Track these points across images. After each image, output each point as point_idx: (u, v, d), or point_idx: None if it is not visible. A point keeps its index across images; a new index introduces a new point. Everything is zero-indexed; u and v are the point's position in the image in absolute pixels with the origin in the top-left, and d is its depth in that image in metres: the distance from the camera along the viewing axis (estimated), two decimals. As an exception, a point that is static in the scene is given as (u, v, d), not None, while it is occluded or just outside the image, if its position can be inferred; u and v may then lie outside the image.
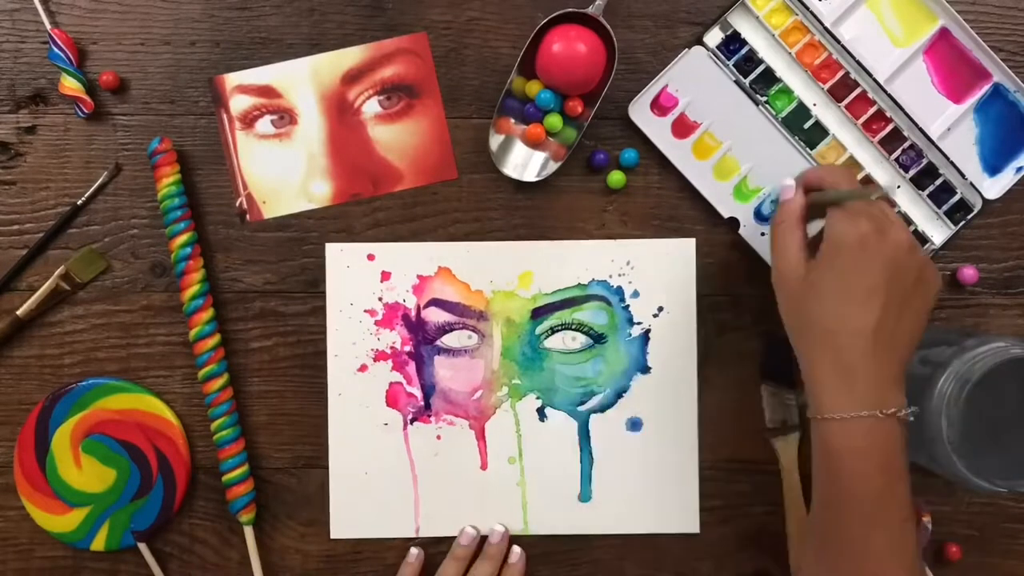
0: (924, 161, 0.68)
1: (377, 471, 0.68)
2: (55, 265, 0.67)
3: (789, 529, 0.68)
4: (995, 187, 0.68)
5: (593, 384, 0.69)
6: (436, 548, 0.68)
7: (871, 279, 0.55)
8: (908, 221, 0.69)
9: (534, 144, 0.68)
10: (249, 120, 0.68)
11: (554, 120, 0.67)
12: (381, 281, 0.68)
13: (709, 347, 0.69)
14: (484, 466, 0.69)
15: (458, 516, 0.68)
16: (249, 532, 0.67)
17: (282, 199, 0.68)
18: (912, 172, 0.68)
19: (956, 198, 0.68)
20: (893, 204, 0.66)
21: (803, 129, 0.68)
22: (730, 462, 0.69)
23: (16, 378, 0.68)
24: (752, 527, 0.69)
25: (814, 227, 0.60)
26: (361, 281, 0.68)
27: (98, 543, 0.67)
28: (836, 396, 0.55)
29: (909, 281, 0.56)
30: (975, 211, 0.69)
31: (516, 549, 0.68)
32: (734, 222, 0.69)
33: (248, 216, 0.68)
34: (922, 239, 0.69)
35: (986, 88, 0.68)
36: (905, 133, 0.68)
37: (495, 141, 0.67)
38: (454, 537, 0.68)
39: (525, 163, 0.68)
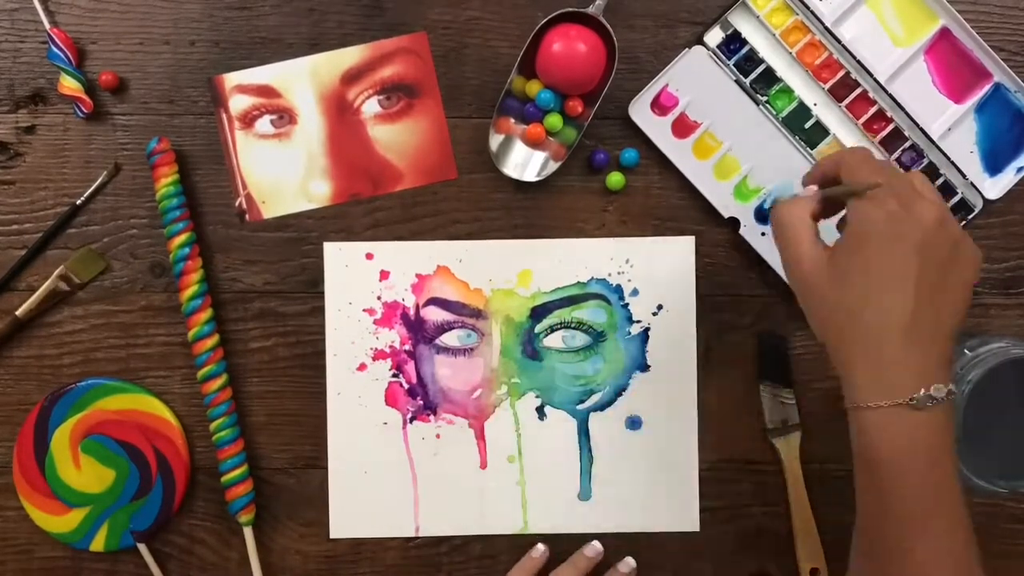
0: (925, 161, 0.68)
1: (376, 470, 0.68)
2: (54, 265, 0.67)
3: (794, 528, 0.68)
4: (996, 187, 0.68)
5: (592, 383, 0.69)
6: (435, 548, 0.68)
7: (901, 262, 0.51)
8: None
9: (534, 144, 0.68)
10: (249, 120, 0.68)
11: (554, 120, 0.66)
12: (380, 280, 0.68)
13: (709, 347, 0.69)
14: (484, 465, 0.69)
15: (458, 515, 0.68)
16: (248, 532, 0.67)
17: (281, 199, 0.68)
18: (912, 172, 0.68)
19: (957, 198, 0.68)
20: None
21: (804, 129, 0.68)
22: (730, 462, 0.69)
23: (15, 378, 0.68)
24: (752, 527, 0.69)
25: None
26: (360, 280, 0.68)
27: (97, 543, 0.67)
28: (872, 387, 0.51)
29: (943, 258, 0.52)
30: (976, 211, 0.68)
31: (629, 560, 0.67)
32: (734, 222, 0.68)
33: (247, 216, 0.68)
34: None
35: (987, 88, 0.68)
36: (906, 133, 0.68)
37: (495, 141, 0.67)
38: (454, 537, 0.68)
39: (525, 163, 0.68)
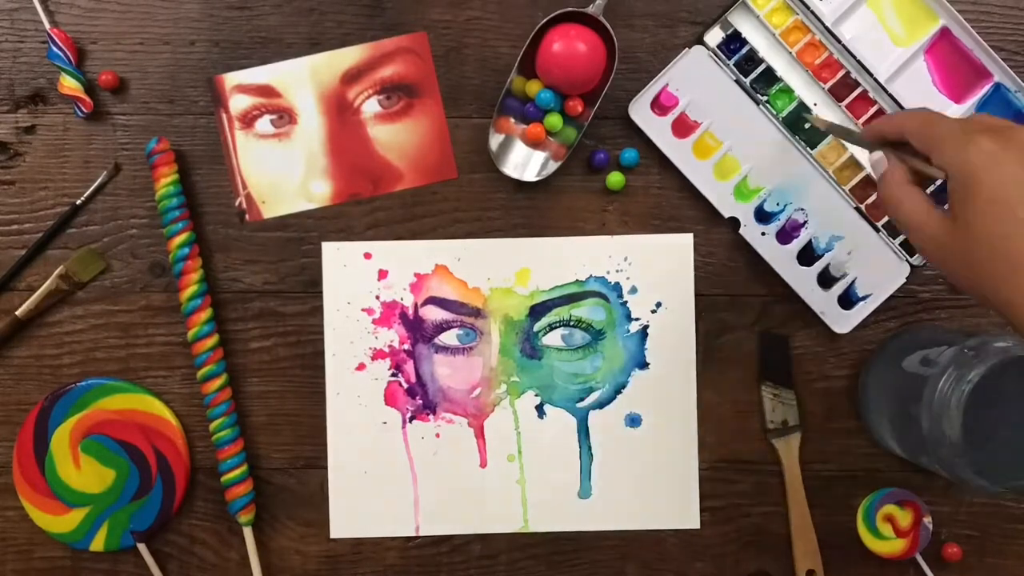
0: (925, 161, 0.68)
1: (376, 470, 0.68)
2: (54, 265, 0.67)
3: (792, 529, 0.68)
4: (996, 187, 0.68)
5: (592, 381, 0.69)
6: (436, 548, 0.68)
7: (1018, 186, 0.48)
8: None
9: (534, 144, 0.68)
10: (248, 120, 0.68)
11: (554, 120, 0.66)
12: (378, 279, 0.68)
13: (709, 347, 0.69)
14: (483, 464, 0.69)
15: (458, 514, 0.68)
16: (248, 532, 0.67)
17: (281, 199, 0.68)
18: (913, 172, 0.68)
19: (957, 198, 0.68)
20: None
21: (804, 129, 0.68)
22: (730, 462, 0.69)
23: (15, 378, 0.68)
24: (752, 527, 0.69)
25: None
26: (358, 280, 0.68)
27: (97, 543, 0.67)
28: None
29: None
30: (976, 211, 0.68)
31: None
32: (734, 222, 0.68)
33: (247, 216, 0.68)
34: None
35: (987, 88, 0.68)
36: (906, 133, 0.68)
37: (495, 141, 0.67)
38: (454, 536, 0.68)
39: (525, 163, 0.68)
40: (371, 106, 0.68)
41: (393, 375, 0.68)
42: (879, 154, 0.56)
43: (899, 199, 0.53)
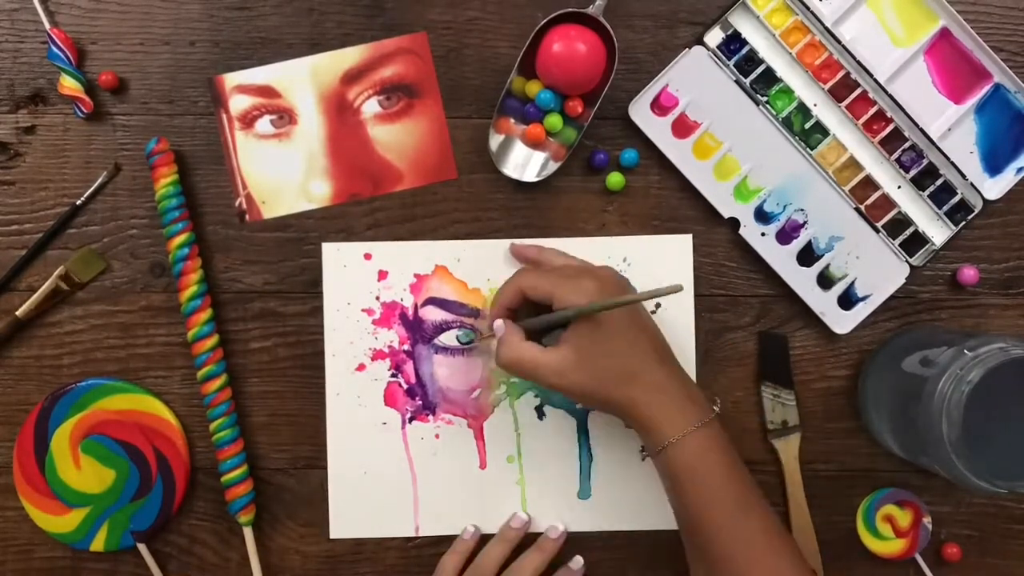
0: (925, 161, 0.68)
1: (376, 471, 0.68)
2: (54, 265, 0.67)
3: (792, 529, 0.68)
4: (995, 187, 0.68)
5: (592, 382, 0.69)
6: (435, 548, 0.68)
7: (620, 321, 0.59)
8: (908, 223, 0.68)
9: (534, 144, 0.68)
10: (248, 120, 0.68)
11: (554, 120, 0.66)
12: (378, 280, 0.68)
13: (709, 347, 0.69)
14: (483, 465, 0.69)
15: (457, 515, 0.68)
16: (248, 533, 0.67)
17: (281, 199, 0.68)
18: (913, 172, 0.68)
19: (956, 198, 0.68)
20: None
21: (804, 129, 0.68)
22: (730, 462, 0.69)
23: (15, 378, 0.68)
24: (752, 527, 0.69)
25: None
26: (358, 280, 0.68)
27: (97, 544, 0.67)
28: (669, 422, 0.58)
29: (619, 288, 0.61)
30: (975, 211, 0.68)
31: (578, 559, 0.68)
32: (734, 222, 0.68)
33: (247, 216, 0.68)
34: (923, 239, 0.68)
35: (987, 88, 0.68)
36: (906, 133, 0.68)
37: (495, 141, 0.67)
38: (454, 536, 0.68)
39: (525, 163, 0.68)
40: (371, 106, 0.68)
41: (393, 376, 0.68)
42: (499, 323, 0.63)
43: (518, 355, 0.61)
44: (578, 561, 0.68)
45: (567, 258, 0.66)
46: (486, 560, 0.66)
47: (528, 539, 0.68)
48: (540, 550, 0.67)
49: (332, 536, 0.68)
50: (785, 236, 0.68)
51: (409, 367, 0.68)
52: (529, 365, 0.60)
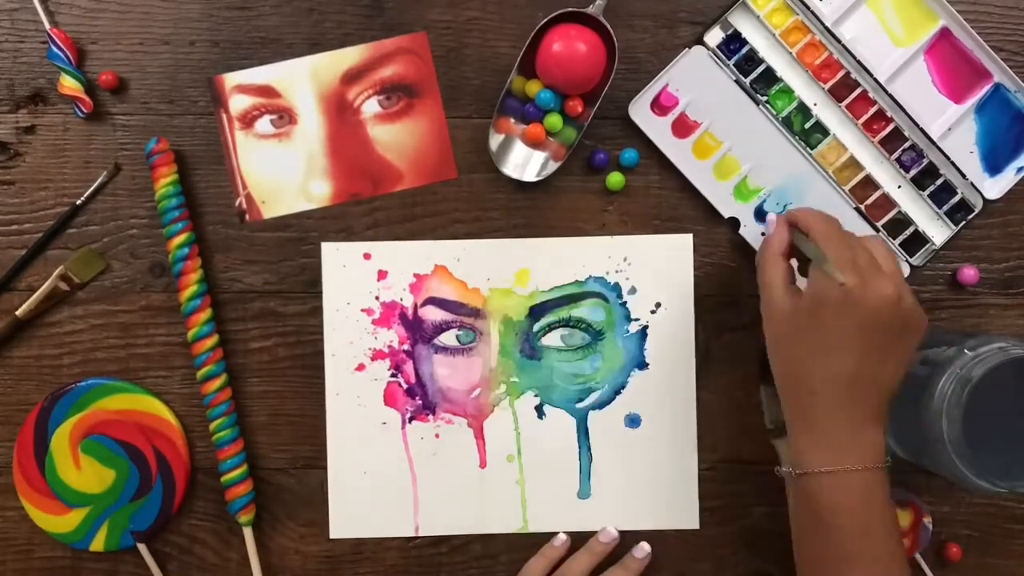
0: (925, 161, 0.68)
1: (376, 470, 0.68)
2: (54, 265, 0.67)
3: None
4: (996, 187, 0.68)
5: (591, 381, 0.69)
6: (436, 548, 0.68)
7: (849, 333, 0.55)
8: (908, 223, 0.68)
9: (534, 144, 0.68)
10: (248, 120, 0.68)
11: (554, 120, 0.66)
12: (378, 280, 0.68)
13: (709, 347, 0.69)
14: (483, 464, 0.69)
15: (457, 515, 0.68)
16: (248, 533, 0.67)
17: (281, 199, 0.68)
18: (913, 172, 0.68)
19: (957, 198, 0.68)
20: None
21: (804, 129, 0.68)
22: (730, 462, 0.69)
23: (15, 378, 0.68)
24: (752, 527, 0.69)
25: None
26: (358, 280, 0.68)
27: (97, 544, 0.67)
28: (811, 450, 0.56)
29: (893, 332, 0.56)
30: (976, 211, 0.68)
31: (644, 545, 0.68)
32: (734, 222, 0.68)
33: (247, 216, 0.68)
34: (923, 239, 0.68)
35: (987, 88, 0.68)
36: (906, 133, 0.68)
37: (495, 141, 0.67)
38: (454, 536, 0.68)
39: (525, 163, 0.68)
40: (371, 106, 0.68)
41: (393, 375, 0.68)
42: (772, 216, 0.62)
43: (771, 264, 0.59)
44: (643, 548, 0.68)
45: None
46: (571, 570, 0.66)
47: (529, 541, 0.68)
48: (590, 552, 0.67)
49: (332, 536, 0.68)
50: (785, 236, 0.68)
51: (409, 367, 0.68)
52: (773, 279, 0.59)
